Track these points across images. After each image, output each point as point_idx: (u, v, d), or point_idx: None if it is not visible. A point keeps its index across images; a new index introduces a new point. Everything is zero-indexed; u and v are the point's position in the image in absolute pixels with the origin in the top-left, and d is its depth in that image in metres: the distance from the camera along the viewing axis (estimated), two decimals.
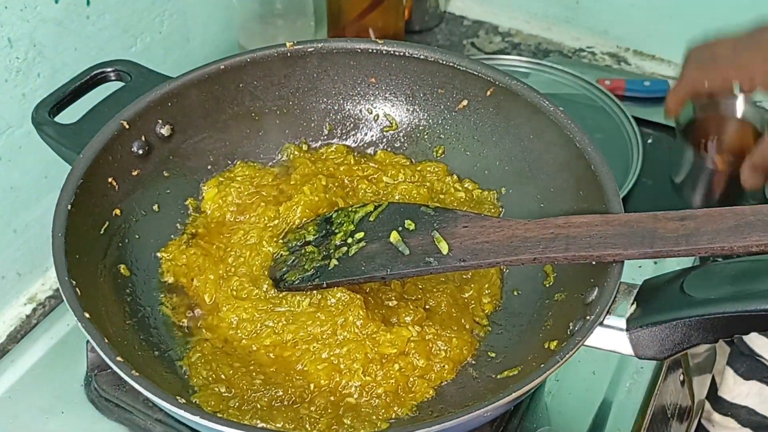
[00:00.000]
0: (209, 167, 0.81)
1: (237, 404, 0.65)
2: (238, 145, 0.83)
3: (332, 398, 0.66)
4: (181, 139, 0.79)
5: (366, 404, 0.66)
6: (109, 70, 0.80)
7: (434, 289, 0.74)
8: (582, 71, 1.20)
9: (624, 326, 0.60)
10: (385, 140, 0.85)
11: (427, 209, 0.70)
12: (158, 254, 0.76)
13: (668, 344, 0.59)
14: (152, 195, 0.77)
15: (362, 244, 0.70)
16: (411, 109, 0.84)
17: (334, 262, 0.70)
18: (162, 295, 0.74)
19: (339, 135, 0.85)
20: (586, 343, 0.60)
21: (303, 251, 0.73)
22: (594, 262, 0.62)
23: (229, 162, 0.82)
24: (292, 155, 0.84)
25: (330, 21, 1.19)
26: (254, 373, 0.68)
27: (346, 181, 0.82)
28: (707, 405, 1.02)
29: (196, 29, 1.07)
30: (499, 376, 0.66)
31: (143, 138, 0.75)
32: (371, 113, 0.85)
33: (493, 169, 0.81)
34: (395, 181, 0.82)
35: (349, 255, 0.70)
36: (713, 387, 1.02)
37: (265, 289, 0.72)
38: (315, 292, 0.71)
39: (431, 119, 0.84)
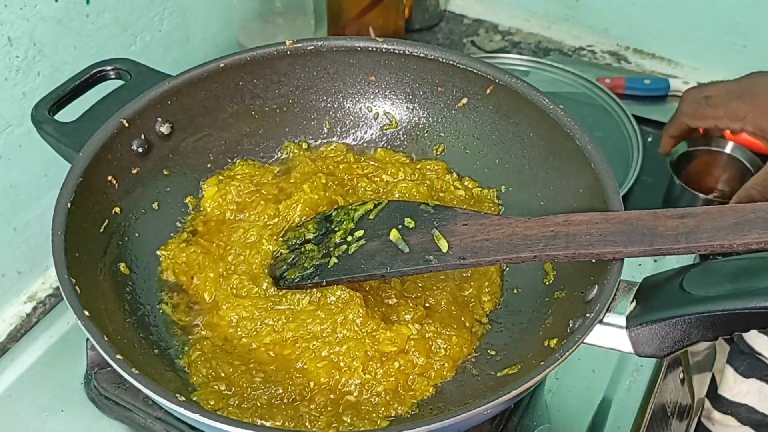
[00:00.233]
0: (209, 165, 0.81)
1: (237, 402, 0.65)
2: (238, 143, 0.83)
3: (332, 396, 0.66)
4: (180, 137, 0.79)
5: (366, 402, 0.66)
6: (108, 68, 0.80)
7: (434, 287, 0.74)
8: (582, 70, 1.20)
9: (624, 324, 0.60)
10: (384, 138, 0.85)
11: (427, 207, 0.70)
12: (158, 252, 0.76)
13: (668, 342, 0.59)
14: (152, 193, 0.77)
15: (362, 242, 0.70)
16: (411, 107, 0.84)
17: (333, 260, 0.70)
18: (162, 294, 0.74)
19: (339, 133, 0.85)
20: (585, 341, 0.60)
21: (303, 249, 0.73)
22: (594, 260, 0.63)
23: (229, 160, 0.82)
24: (291, 153, 0.84)
25: (330, 19, 1.19)
26: (254, 371, 0.68)
27: (345, 180, 0.82)
28: (707, 403, 1.02)
29: (196, 28, 1.07)
30: (499, 374, 0.66)
31: (143, 136, 0.76)
32: (371, 111, 0.85)
33: (493, 167, 0.81)
34: (395, 179, 0.82)
35: (349, 253, 0.70)
36: (713, 385, 1.02)
37: (264, 288, 0.72)
38: (315, 290, 0.71)
39: (431, 117, 0.84)
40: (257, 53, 0.80)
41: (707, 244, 0.58)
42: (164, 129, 0.77)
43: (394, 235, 0.69)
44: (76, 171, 0.69)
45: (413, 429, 0.55)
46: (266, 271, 0.74)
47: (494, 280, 0.75)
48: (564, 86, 1.19)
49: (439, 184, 0.82)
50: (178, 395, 0.58)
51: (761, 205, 0.59)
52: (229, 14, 1.12)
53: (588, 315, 0.60)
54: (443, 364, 0.68)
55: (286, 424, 0.64)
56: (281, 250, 0.75)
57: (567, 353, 0.58)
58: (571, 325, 0.63)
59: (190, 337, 0.71)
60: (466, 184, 0.81)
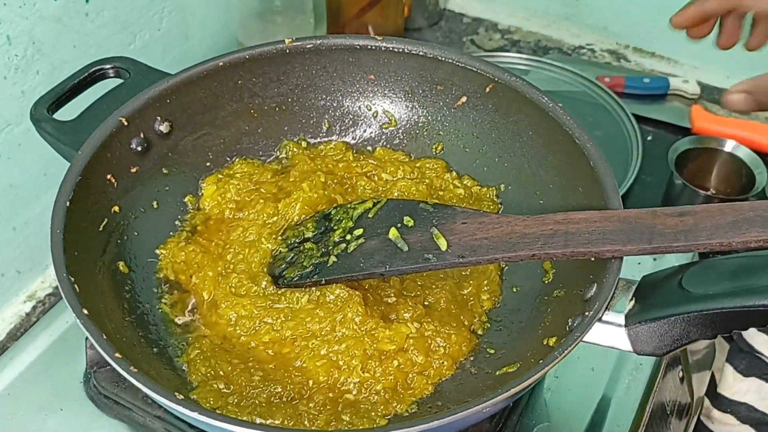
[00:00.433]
0: (208, 164, 0.81)
1: (236, 401, 0.65)
2: (237, 141, 0.83)
3: (331, 395, 0.66)
4: (179, 136, 0.79)
5: (365, 401, 0.66)
6: (107, 67, 0.80)
7: (433, 286, 0.74)
8: (582, 68, 1.20)
9: (623, 322, 0.60)
10: (384, 137, 0.85)
11: (426, 206, 0.70)
12: (157, 251, 0.76)
13: (667, 340, 0.59)
14: (151, 192, 0.77)
15: (361, 240, 0.70)
16: (410, 105, 0.84)
17: (332, 258, 0.70)
18: (161, 292, 0.74)
19: (338, 132, 0.85)
20: (584, 340, 0.60)
21: (302, 248, 0.73)
22: (593, 259, 0.62)
23: (228, 159, 0.82)
24: (291, 152, 0.84)
25: (329, 18, 1.19)
26: (253, 370, 0.68)
27: (344, 178, 0.82)
28: (706, 402, 1.02)
29: (195, 26, 1.07)
30: (497, 373, 0.66)
31: (142, 135, 0.75)
32: (370, 110, 0.85)
33: (492, 165, 0.81)
34: (394, 177, 0.82)
35: (348, 252, 0.70)
36: (712, 384, 1.02)
37: (263, 286, 0.72)
38: (314, 288, 0.71)
39: (430, 116, 0.84)
40: (256, 52, 0.80)
41: (706, 243, 0.58)
42: (163, 128, 0.77)
43: (393, 233, 0.69)
44: (74, 170, 0.69)
45: (412, 427, 0.55)
46: (265, 269, 0.74)
47: (493, 278, 0.75)
48: (563, 85, 1.19)
49: (439, 182, 0.82)
50: (176, 394, 0.58)
51: (760, 203, 0.59)
52: (229, 13, 1.12)
53: (587, 313, 0.60)
54: (442, 363, 0.68)
55: (285, 422, 0.64)
56: (280, 249, 0.75)
57: (566, 352, 0.58)
58: (570, 324, 0.63)
59: (189, 335, 0.71)
60: (465, 182, 0.81)
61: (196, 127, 0.80)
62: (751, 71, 1.00)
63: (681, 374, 0.88)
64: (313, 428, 0.64)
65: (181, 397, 0.58)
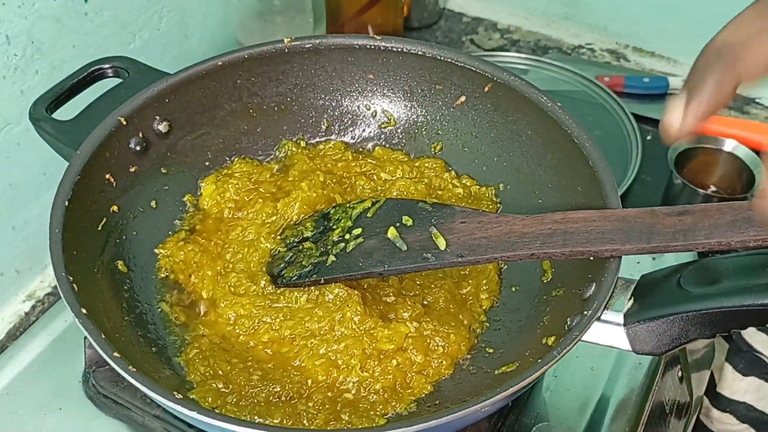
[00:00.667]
0: (207, 163, 0.81)
1: (234, 400, 0.65)
2: (236, 141, 0.83)
3: (330, 394, 0.66)
4: (178, 135, 0.79)
5: (363, 400, 0.66)
6: (106, 66, 0.80)
7: (432, 285, 0.74)
8: (581, 68, 1.20)
9: (621, 321, 0.60)
10: (383, 136, 0.85)
11: (425, 205, 0.69)
12: (156, 251, 0.76)
13: (665, 339, 0.59)
14: (150, 191, 0.77)
15: (360, 240, 0.70)
16: (409, 105, 0.84)
17: (331, 258, 0.70)
18: (160, 292, 0.74)
19: (337, 131, 0.85)
20: (583, 339, 0.60)
21: (301, 247, 0.73)
22: (591, 258, 0.62)
23: (227, 158, 0.82)
24: (289, 151, 0.84)
25: (329, 17, 1.19)
26: (252, 369, 0.68)
27: (343, 178, 0.82)
28: (706, 401, 1.02)
29: (195, 26, 1.07)
30: (496, 372, 0.66)
31: (141, 134, 0.75)
32: (369, 109, 0.85)
33: (491, 165, 0.81)
34: (393, 177, 0.82)
35: (347, 251, 0.70)
36: (712, 383, 1.02)
37: (262, 286, 0.72)
38: (313, 288, 0.71)
39: (429, 115, 0.84)
40: (255, 51, 0.80)
41: (705, 242, 0.58)
42: (162, 127, 0.77)
43: (392, 233, 0.69)
44: (73, 169, 0.69)
45: (411, 427, 0.55)
46: (264, 269, 0.74)
47: (492, 278, 0.75)
48: (563, 84, 1.19)
49: (437, 182, 0.82)
50: (175, 393, 0.58)
51: None
52: (228, 12, 1.12)
53: (586, 312, 0.60)
54: (441, 362, 0.68)
55: (284, 421, 0.64)
56: (279, 248, 0.75)
57: (565, 351, 0.58)
58: (568, 323, 0.63)
59: (187, 335, 0.71)
60: (464, 182, 0.81)
61: (195, 127, 0.80)
62: None
63: (680, 373, 0.88)
64: (312, 427, 0.64)
65: (180, 396, 0.58)
